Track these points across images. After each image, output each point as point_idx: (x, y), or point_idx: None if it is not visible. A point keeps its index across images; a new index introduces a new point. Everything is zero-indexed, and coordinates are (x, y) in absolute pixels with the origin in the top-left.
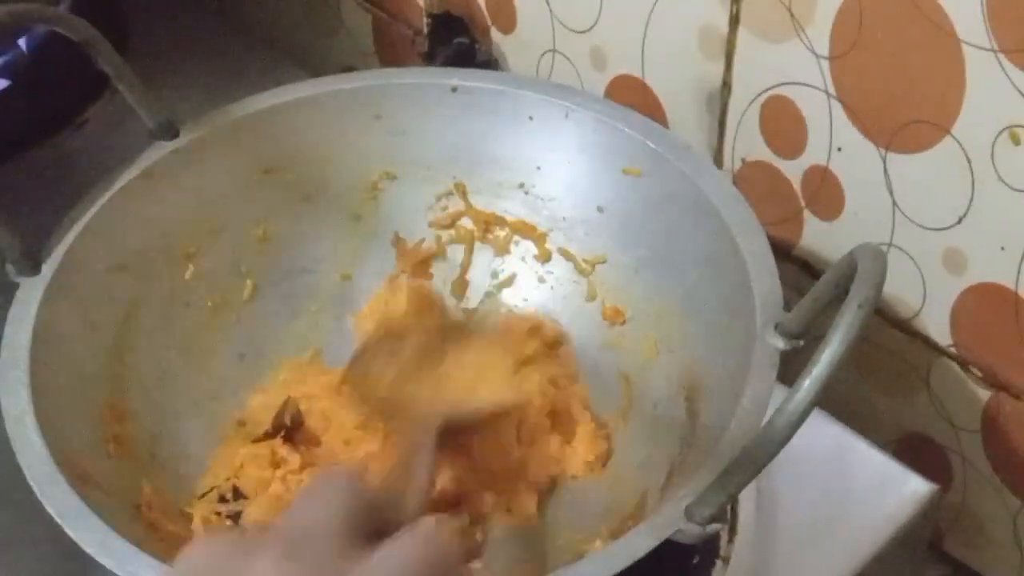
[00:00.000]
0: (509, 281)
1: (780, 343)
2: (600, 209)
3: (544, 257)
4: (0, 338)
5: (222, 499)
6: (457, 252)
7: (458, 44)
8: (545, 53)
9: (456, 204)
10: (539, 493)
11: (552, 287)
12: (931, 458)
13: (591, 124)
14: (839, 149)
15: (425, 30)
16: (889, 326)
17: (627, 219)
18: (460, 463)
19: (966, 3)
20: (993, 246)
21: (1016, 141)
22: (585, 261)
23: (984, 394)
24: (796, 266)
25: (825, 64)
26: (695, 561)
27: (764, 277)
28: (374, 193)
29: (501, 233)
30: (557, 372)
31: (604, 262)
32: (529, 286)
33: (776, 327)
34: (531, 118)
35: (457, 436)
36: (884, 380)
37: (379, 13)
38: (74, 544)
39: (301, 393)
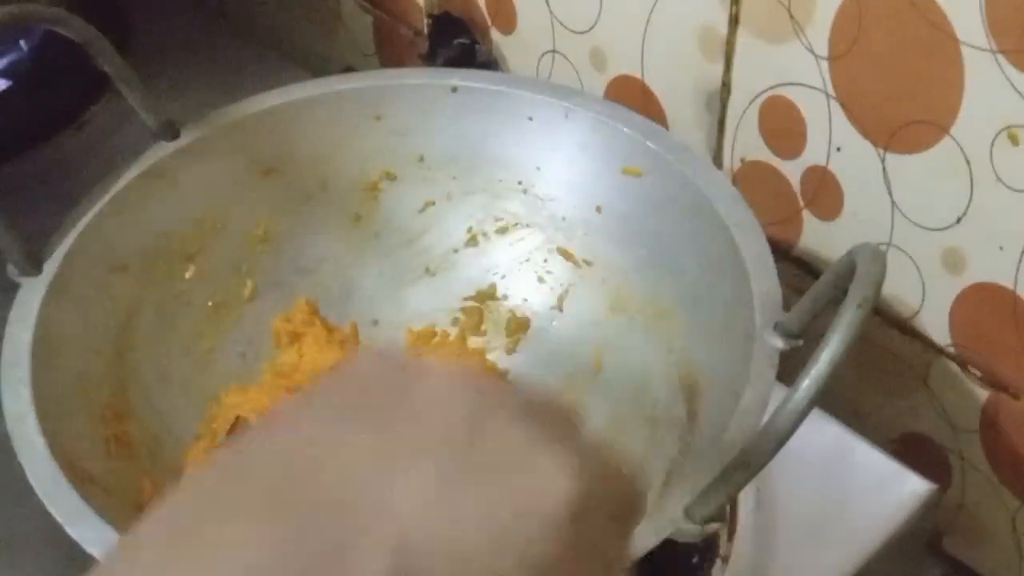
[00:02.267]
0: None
1: (779, 343)
2: (600, 209)
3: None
4: (1, 338)
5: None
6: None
7: (458, 45)
8: (545, 53)
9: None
10: None
11: (552, 287)
12: (930, 458)
13: (591, 124)
14: (838, 149)
15: (425, 31)
16: (888, 326)
17: (627, 219)
18: None
19: (965, 4)
20: (992, 246)
21: (1015, 141)
22: (585, 261)
23: (983, 394)
24: (795, 266)
25: (824, 64)
26: (694, 560)
27: (763, 277)
28: (374, 193)
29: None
30: None
31: (603, 262)
32: (529, 287)
33: (775, 327)
34: (531, 118)
35: None
36: (883, 380)
37: (379, 14)
38: (75, 544)
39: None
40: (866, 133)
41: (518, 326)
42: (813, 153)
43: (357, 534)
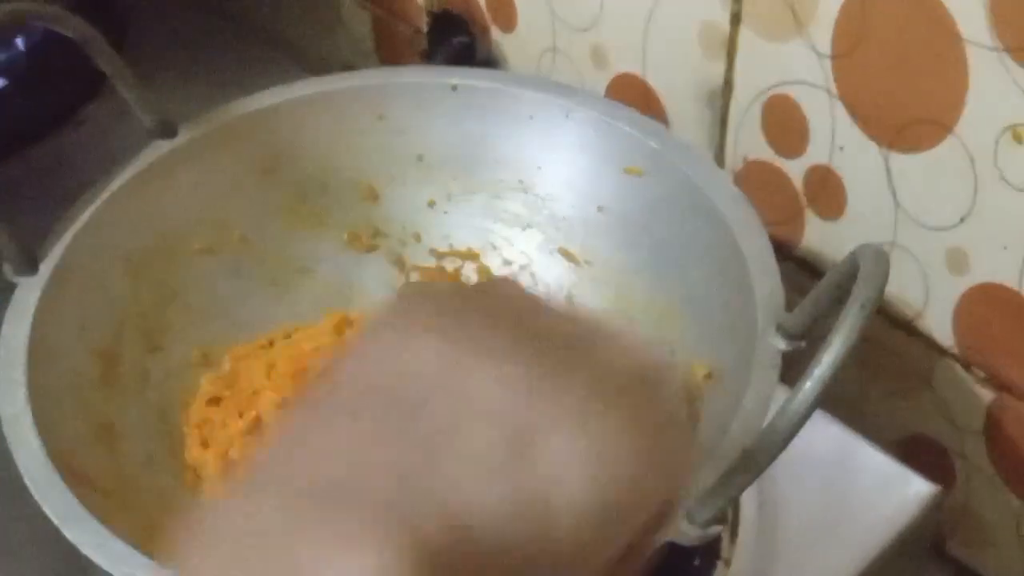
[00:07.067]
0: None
1: (781, 344)
2: (600, 209)
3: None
4: None
5: None
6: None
7: (458, 43)
8: (545, 52)
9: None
10: None
11: (552, 288)
12: (933, 459)
13: (592, 123)
14: (841, 148)
15: (425, 29)
16: (891, 326)
17: (627, 219)
18: None
19: (969, 1)
20: (996, 246)
21: (1019, 140)
22: (585, 261)
23: (987, 395)
24: (798, 266)
25: (827, 63)
26: (696, 563)
27: (765, 277)
28: (374, 193)
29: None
30: None
31: (604, 262)
32: (529, 287)
33: (778, 328)
34: (532, 117)
35: None
36: (886, 381)
37: (379, 12)
38: (71, 545)
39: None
40: (869, 132)
41: None
42: (816, 152)
43: None
